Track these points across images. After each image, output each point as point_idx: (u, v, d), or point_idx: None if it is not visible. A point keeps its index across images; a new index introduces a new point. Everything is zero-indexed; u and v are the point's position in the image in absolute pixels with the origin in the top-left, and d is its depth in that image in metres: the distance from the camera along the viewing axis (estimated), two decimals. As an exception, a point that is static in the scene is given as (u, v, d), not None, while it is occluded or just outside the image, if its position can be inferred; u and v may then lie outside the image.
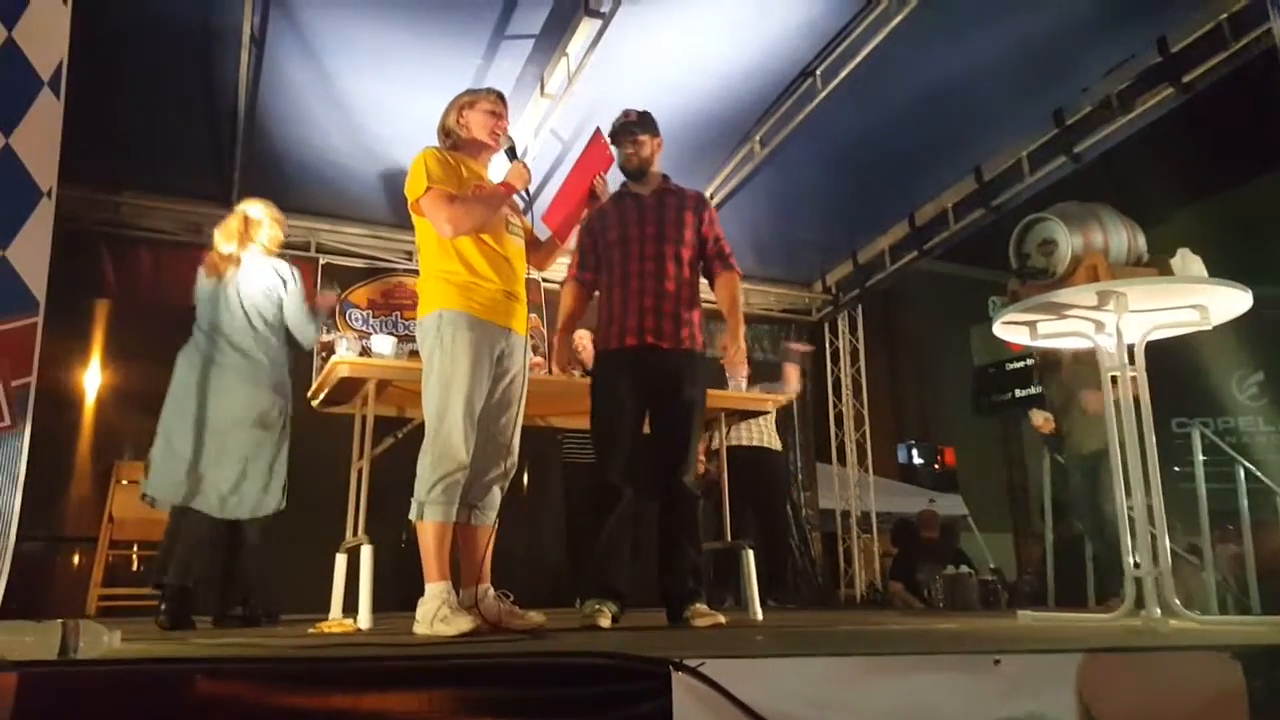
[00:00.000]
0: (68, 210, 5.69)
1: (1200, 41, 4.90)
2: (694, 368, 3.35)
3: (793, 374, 6.11)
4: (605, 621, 2.99)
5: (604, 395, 3.29)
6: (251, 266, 3.62)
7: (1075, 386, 4.98)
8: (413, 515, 2.63)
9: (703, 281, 3.49)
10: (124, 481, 5.48)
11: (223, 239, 3.65)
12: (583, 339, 5.17)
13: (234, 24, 4.58)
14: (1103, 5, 4.75)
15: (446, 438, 2.61)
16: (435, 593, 2.51)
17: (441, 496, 2.59)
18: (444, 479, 2.59)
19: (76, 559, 5.57)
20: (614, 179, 3.47)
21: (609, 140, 3.41)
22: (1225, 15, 4.72)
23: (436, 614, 2.44)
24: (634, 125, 3.39)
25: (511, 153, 2.89)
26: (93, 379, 5.86)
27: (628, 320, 3.28)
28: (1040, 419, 5.37)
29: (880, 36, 4.75)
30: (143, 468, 3.58)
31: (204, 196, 6.22)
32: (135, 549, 5.48)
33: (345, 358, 3.43)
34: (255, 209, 3.75)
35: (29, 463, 1.80)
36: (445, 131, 2.92)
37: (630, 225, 3.35)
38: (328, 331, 6.40)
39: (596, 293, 3.51)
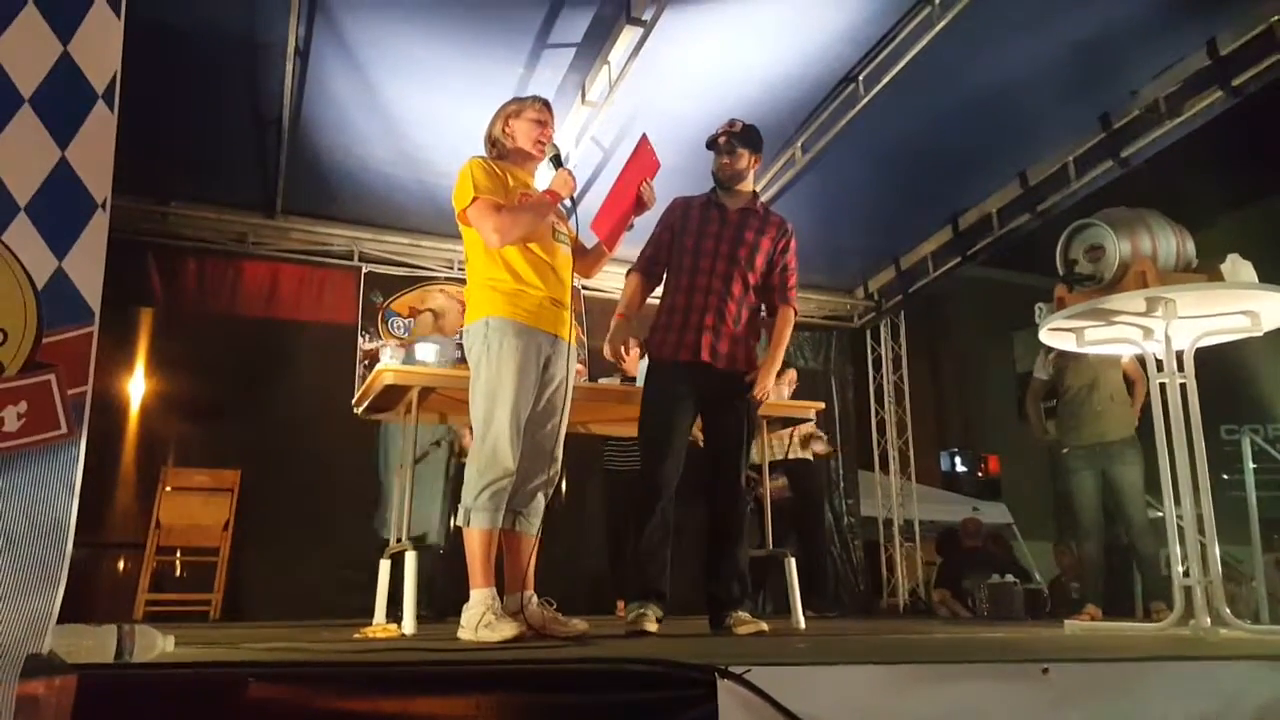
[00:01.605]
0: (115, 220, 5.77)
1: (1251, 44, 4.80)
2: (747, 385, 3.34)
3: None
4: (652, 626, 2.99)
5: (658, 401, 3.29)
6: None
7: (1102, 369, 4.87)
8: (459, 521, 2.65)
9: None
10: (169, 488, 5.59)
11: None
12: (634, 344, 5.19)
13: (279, 36, 4.66)
14: (1151, 7, 4.67)
15: (493, 445, 2.62)
16: (480, 599, 2.53)
17: (488, 503, 2.61)
18: (490, 485, 2.61)
19: (122, 565, 5.68)
20: (660, 187, 3.45)
21: (707, 145, 3.41)
22: (1276, 17, 4.63)
23: (481, 620, 2.45)
24: (736, 136, 3.38)
25: (556, 160, 2.89)
26: (138, 386, 5.99)
27: (686, 335, 3.27)
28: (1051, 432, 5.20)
29: (924, 42, 4.71)
30: None
31: (249, 206, 6.35)
32: (179, 555, 5.59)
33: (390, 365, 3.47)
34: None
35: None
36: (491, 141, 2.94)
37: (708, 237, 3.34)
38: (370, 340, 6.50)
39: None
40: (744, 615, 3.13)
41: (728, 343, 3.27)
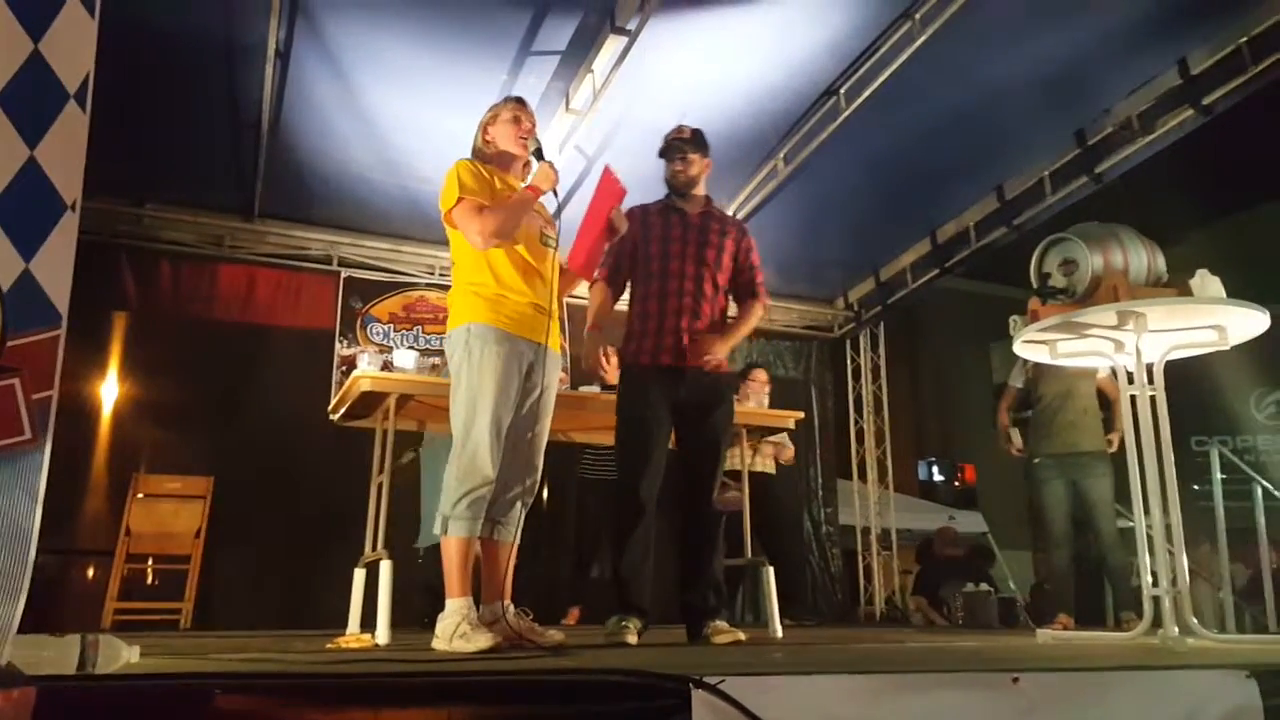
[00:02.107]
0: (88, 222, 5.75)
1: (1221, 63, 4.90)
2: (722, 391, 3.37)
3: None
4: (632, 638, 2.98)
5: (633, 409, 3.27)
6: None
7: (1076, 380, 4.92)
8: (437, 529, 2.62)
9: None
10: (141, 495, 5.52)
11: None
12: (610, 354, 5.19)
13: (259, 38, 4.63)
14: (1125, 27, 4.75)
15: (473, 453, 2.60)
16: (456, 608, 2.51)
17: (466, 512, 2.58)
18: (469, 494, 2.59)
19: (91, 572, 5.60)
20: (644, 196, 3.47)
21: (660, 154, 3.43)
22: (1245, 38, 4.72)
23: (457, 630, 2.43)
24: (685, 142, 3.41)
25: (538, 154, 2.87)
26: (111, 391, 5.91)
27: (663, 339, 3.27)
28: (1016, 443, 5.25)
29: (904, 57, 4.77)
30: None
31: (226, 209, 6.30)
32: (151, 562, 5.52)
33: (367, 372, 3.45)
34: None
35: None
36: (475, 154, 2.94)
37: (673, 241, 3.36)
38: (348, 346, 6.46)
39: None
40: (721, 625, 3.12)
41: (703, 344, 3.26)
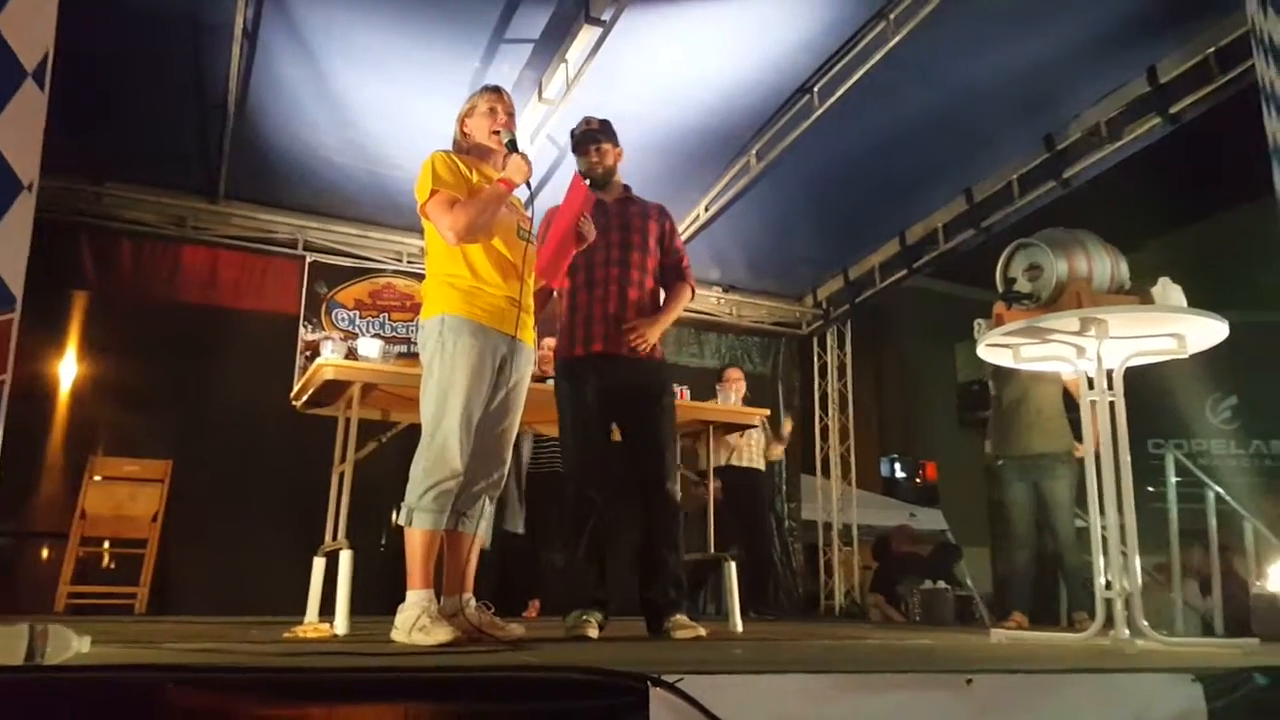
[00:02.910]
0: (47, 200, 5.62)
1: (1188, 73, 4.97)
2: (658, 375, 3.36)
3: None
4: (593, 632, 2.99)
5: (571, 404, 3.28)
6: None
7: (1032, 382, 5.01)
8: (401, 520, 2.59)
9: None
10: (98, 477, 5.43)
11: None
12: (545, 346, 5.19)
13: (226, 17, 4.54)
14: (1096, 34, 4.80)
15: (442, 444, 2.58)
16: (416, 600, 2.49)
17: (432, 504, 2.56)
18: (436, 486, 2.57)
19: (45, 554, 5.51)
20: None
21: (572, 148, 3.44)
22: (1213, 49, 4.80)
23: (416, 623, 2.42)
24: (597, 133, 3.41)
25: (512, 145, 2.84)
26: (69, 372, 5.80)
27: (593, 327, 3.27)
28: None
29: (877, 57, 4.78)
30: None
31: (189, 189, 6.20)
32: (107, 545, 5.43)
33: (330, 360, 3.40)
34: None
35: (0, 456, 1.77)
36: (455, 146, 2.93)
37: (596, 232, 3.34)
38: (312, 331, 6.39)
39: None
40: (682, 619, 3.13)
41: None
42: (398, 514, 2.60)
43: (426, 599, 2.50)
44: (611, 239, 3.34)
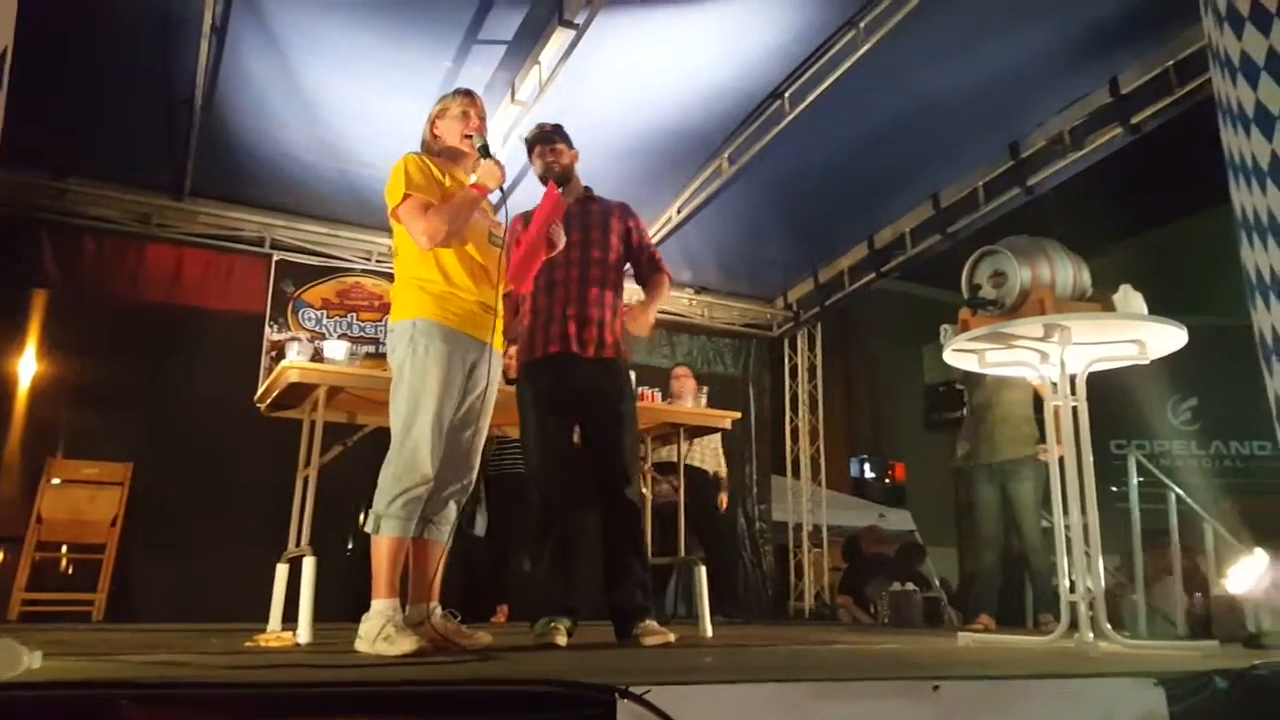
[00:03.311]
0: (7, 195, 5.55)
1: (1149, 85, 5.07)
2: (618, 376, 3.34)
3: None
4: (561, 639, 2.97)
5: (532, 407, 3.26)
6: None
7: (998, 387, 5.08)
8: (369, 527, 2.55)
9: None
10: (56, 480, 5.32)
11: None
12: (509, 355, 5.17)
13: (194, 12, 4.47)
14: (1060, 45, 4.88)
15: (413, 451, 2.55)
16: (381, 610, 2.45)
17: (401, 511, 2.53)
18: (406, 492, 2.54)
19: (0, 559, 5.38)
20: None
21: (528, 151, 3.42)
22: (1172, 62, 4.90)
23: (380, 633, 2.38)
24: (552, 134, 3.41)
25: (485, 151, 2.81)
26: (27, 371, 5.68)
27: (551, 328, 3.26)
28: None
29: (848, 64, 4.81)
30: None
31: (154, 186, 6.10)
32: (65, 550, 5.32)
33: (295, 362, 3.36)
34: None
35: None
36: (424, 148, 2.88)
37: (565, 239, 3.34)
38: (278, 331, 6.31)
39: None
40: (651, 625, 3.12)
41: (594, 329, 3.25)
42: (364, 519, 2.57)
43: (391, 608, 2.46)
44: (571, 239, 3.30)
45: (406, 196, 2.64)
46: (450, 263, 2.70)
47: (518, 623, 4.78)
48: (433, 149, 2.86)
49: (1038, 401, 5.08)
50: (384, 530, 2.53)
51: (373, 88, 5.07)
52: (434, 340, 2.61)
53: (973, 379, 5.16)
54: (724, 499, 6.54)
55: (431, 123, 2.88)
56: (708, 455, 6.35)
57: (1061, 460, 3.08)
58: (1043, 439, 5.00)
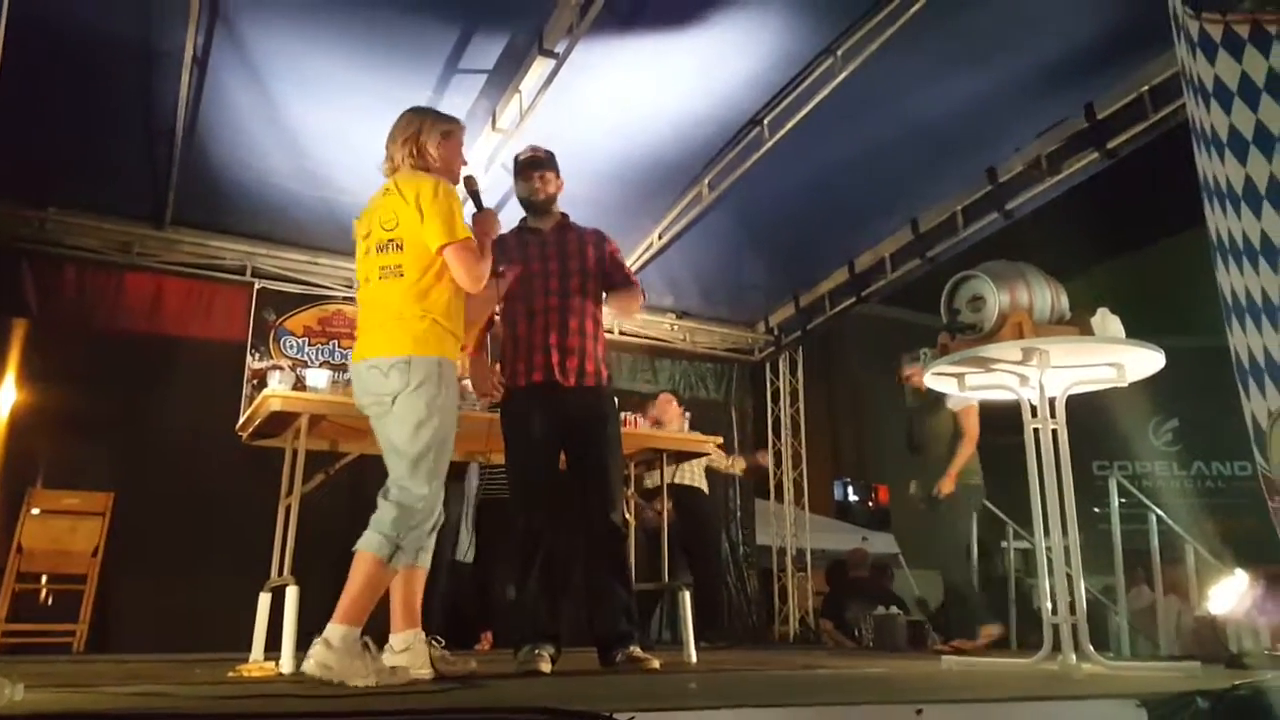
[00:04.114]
0: (-13, 224, 5.53)
1: (1124, 110, 5.16)
2: (602, 403, 3.35)
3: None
4: (545, 666, 2.96)
5: (515, 435, 3.27)
6: None
7: (932, 419, 5.24)
8: (382, 555, 2.46)
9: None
10: (36, 510, 5.27)
11: None
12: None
13: (176, 44, 4.49)
14: (1036, 71, 4.96)
15: (436, 494, 2.57)
16: (355, 636, 2.39)
17: (411, 543, 2.54)
18: (419, 527, 2.54)
19: (-20, 590, 5.30)
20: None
21: (515, 174, 3.44)
22: (1147, 87, 4.99)
23: (356, 666, 2.32)
24: (542, 161, 3.42)
25: (476, 196, 2.85)
26: (7, 401, 5.61)
27: (534, 357, 3.27)
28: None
29: (825, 91, 4.88)
30: None
31: (135, 215, 6.09)
32: (45, 581, 5.25)
33: (277, 391, 3.35)
34: None
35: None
36: (420, 153, 2.74)
37: (533, 260, 3.35)
38: (260, 359, 6.29)
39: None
40: (635, 651, 3.12)
41: (576, 358, 3.26)
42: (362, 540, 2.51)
43: (356, 638, 2.40)
44: (549, 268, 3.33)
45: (466, 238, 2.62)
46: (456, 306, 2.71)
47: (503, 650, 4.74)
48: (429, 163, 2.75)
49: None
50: (399, 561, 2.51)
51: (354, 116, 5.09)
52: (454, 384, 2.66)
53: (915, 413, 5.35)
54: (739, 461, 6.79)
55: (439, 139, 2.76)
56: (697, 473, 6.35)
57: (1042, 483, 3.11)
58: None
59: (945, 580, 5.28)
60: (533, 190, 3.39)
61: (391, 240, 2.65)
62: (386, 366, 2.57)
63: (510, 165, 5.41)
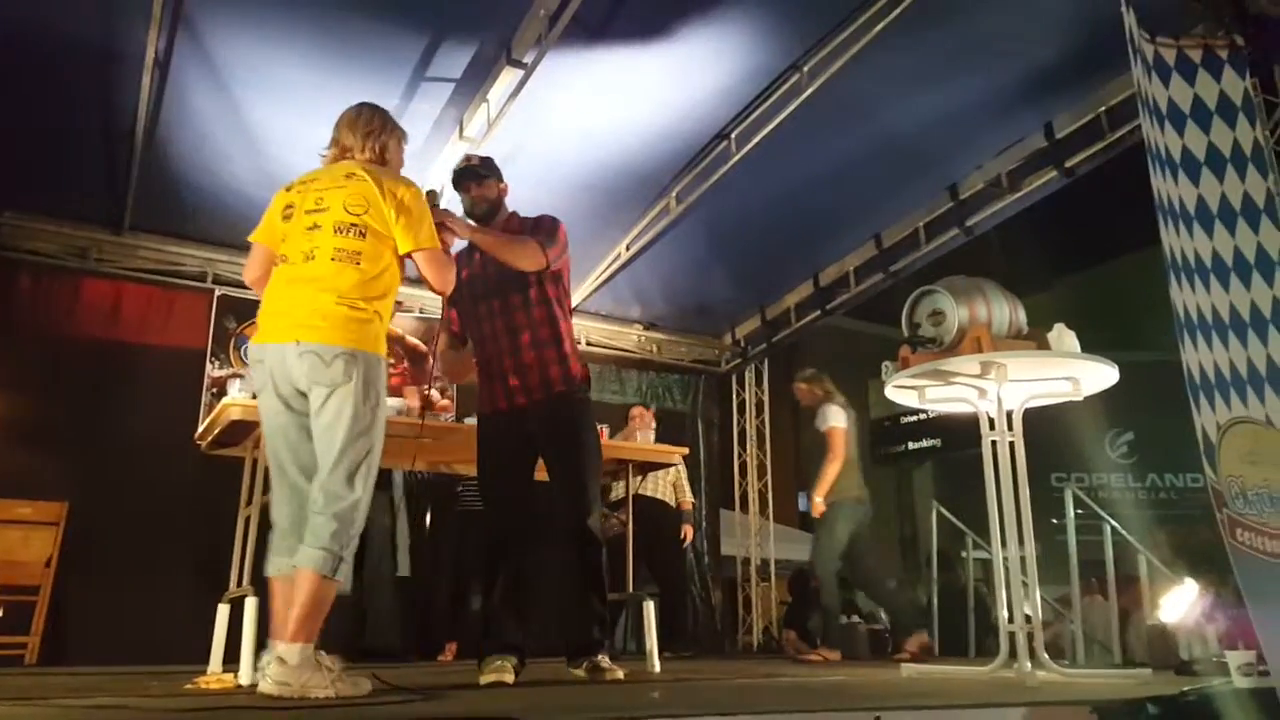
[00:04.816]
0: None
1: (1082, 130, 5.28)
2: (574, 407, 3.26)
3: None
4: (509, 677, 2.94)
5: (484, 454, 3.29)
6: None
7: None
8: (325, 571, 2.34)
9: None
10: (-11, 522, 5.14)
11: None
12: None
13: (137, 47, 4.43)
14: (997, 90, 5.06)
15: (368, 499, 2.46)
16: (310, 656, 2.29)
17: (349, 555, 2.42)
18: (354, 539, 2.43)
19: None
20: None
21: (454, 186, 3.32)
22: (1104, 108, 5.11)
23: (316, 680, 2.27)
24: (477, 169, 3.30)
25: (434, 200, 2.82)
26: (-44, 409, 5.49)
27: (494, 386, 3.25)
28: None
29: (792, 106, 4.94)
30: None
31: (93, 220, 5.99)
32: (-2, 594, 5.14)
33: (237, 399, 3.31)
34: None
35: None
36: (381, 151, 2.71)
37: (476, 281, 3.27)
38: (220, 367, 6.20)
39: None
40: (602, 661, 3.11)
41: (535, 372, 3.20)
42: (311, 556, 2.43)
43: (311, 654, 2.30)
44: (489, 286, 3.24)
45: (437, 246, 2.61)
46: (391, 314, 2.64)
47: (467, 660, 4.71)
48: (386, 167, 2.70)
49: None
50: (339, 573, 2.37)
51: (318, 122, 4.93)
52: (385, 383, 2.56)
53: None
54: (688, 531, 6.56)
55: (397, 145, 2.76)
56: (662, 485, 6.37)
57: (999, 494, 3.17)
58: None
59: (820, 592, 5.45)
60: (472, 200, 3.29)
61: (355, 225, 2.51)
62: (330, 355, 2.40)
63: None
